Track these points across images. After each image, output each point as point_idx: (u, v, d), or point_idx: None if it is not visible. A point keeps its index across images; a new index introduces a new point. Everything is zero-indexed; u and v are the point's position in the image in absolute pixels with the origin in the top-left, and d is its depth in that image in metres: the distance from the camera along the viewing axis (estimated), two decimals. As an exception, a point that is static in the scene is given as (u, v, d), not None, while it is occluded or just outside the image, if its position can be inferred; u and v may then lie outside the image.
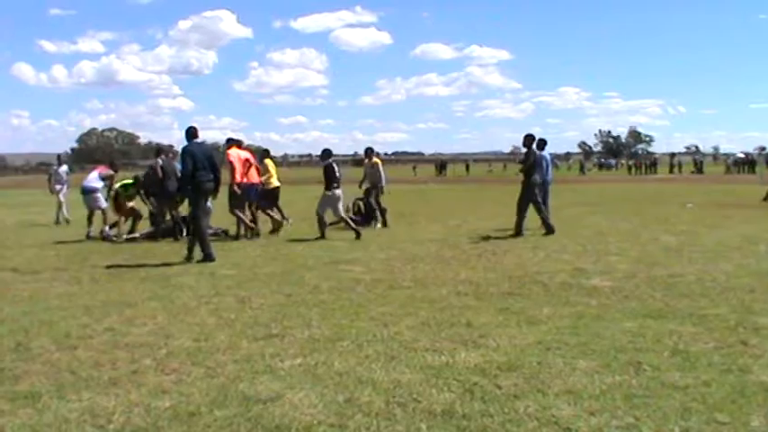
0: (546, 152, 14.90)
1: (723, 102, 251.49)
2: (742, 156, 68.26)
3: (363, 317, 6.61)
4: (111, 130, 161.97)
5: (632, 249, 11.02)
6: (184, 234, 12.86)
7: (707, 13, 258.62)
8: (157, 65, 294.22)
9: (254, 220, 13.81)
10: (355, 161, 79.87)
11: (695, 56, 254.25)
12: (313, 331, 6.09)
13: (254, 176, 13.84)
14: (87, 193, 14.19)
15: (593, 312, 6.64)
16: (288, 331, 6.09)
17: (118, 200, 14.20)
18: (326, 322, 6.41)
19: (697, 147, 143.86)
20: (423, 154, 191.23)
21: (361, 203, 15.87)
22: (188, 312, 6.97)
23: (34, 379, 4.89)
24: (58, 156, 22.82)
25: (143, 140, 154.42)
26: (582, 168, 73.26)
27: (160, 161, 13.94)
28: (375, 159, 15.93)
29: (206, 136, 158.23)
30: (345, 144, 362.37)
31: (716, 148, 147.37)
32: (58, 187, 18.85)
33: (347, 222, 13.59)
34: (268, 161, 14.93)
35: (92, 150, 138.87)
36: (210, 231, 13.38)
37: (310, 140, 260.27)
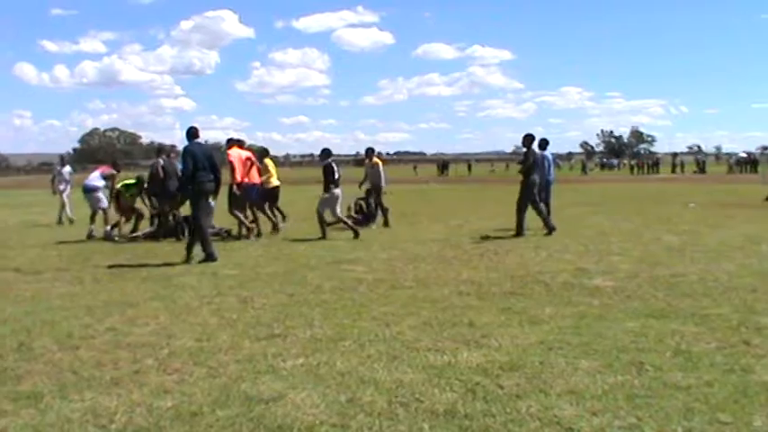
0: (548, 152, 14.90)
1: (725, 101, 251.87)
2: (744, 155, 68.20)
3: (365, 317, 6.61)
4: (113, 130, 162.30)
5: (634, 249, 11.00)
6: (186, 234, 12.86)
7: (709, 13, 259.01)
8: (159, 65, 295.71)
9: (255, 221, 13.82)
10: (357, 161, 79.98)
11: (698, 56, 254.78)
12: (315, 331, 6.09)
13: (255, 176, 13.85)
14: (88, 191, 14.23)
15: (596, 312, 6.63)
16: (290, 331, 6.09)
17: (119, 200, 14.22)
18: (329, 322, 6.41)
19: (699, 146, 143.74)
20: (425, 154, 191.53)
21: (362, 203, 15.88)
22: (190, 312, 6.97)
23: (36, 379, 4.89)
24: (62, 156, 22.89)
25: (145, 140, 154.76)
26: (584, 168, 73.18)
27: (161, 161, 13.94)
28: (375, 159, 15.93)
29: (208, 136, 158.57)
30: (347, 144, 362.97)
31: (718, 148, 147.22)
32: (61, 187, 18.86)
33: (345, 222, 13.59)
34: (268, 161, 14.92)
35: (94, 150, 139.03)
36: (213, 231, 13.41)
37: (312, 140, 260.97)
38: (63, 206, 18.37)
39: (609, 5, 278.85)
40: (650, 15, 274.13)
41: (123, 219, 14.22)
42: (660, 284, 7.97)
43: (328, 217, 13.57)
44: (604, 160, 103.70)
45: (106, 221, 14.15)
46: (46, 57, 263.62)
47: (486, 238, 12.96)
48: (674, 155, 75.72)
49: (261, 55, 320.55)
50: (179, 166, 12.46)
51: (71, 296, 7.93)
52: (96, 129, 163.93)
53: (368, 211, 15.67)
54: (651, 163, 71.07)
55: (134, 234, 14.05)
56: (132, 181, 14.55)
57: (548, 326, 6.13)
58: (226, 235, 13.69)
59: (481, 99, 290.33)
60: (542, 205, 14.09)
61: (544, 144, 14.85)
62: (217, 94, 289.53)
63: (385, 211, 15.53)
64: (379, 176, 15.55)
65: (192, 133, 10.92)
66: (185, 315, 6.85)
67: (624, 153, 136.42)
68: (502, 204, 19.97)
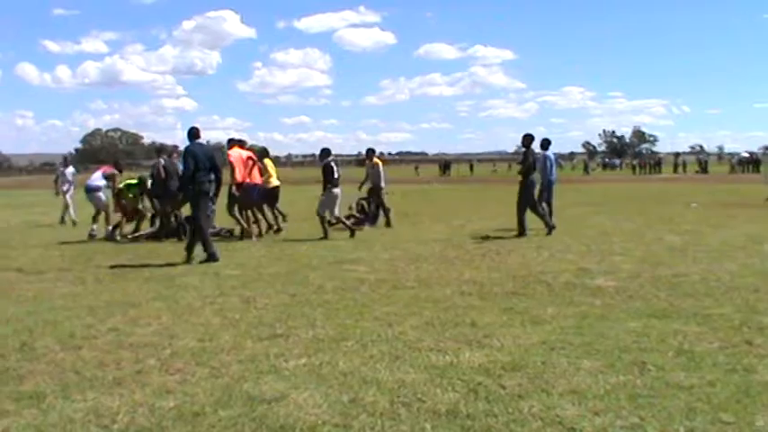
0: (550, 152, 14.90)
1: (727, 101, 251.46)
2: (746, 155, 68.19)
3: (368, 317, 6.61)
4: (115, 130, 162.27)
5: (636, 249, 11.00)
6: (188, 234, 12.86)
7: (711, 12, 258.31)
8: (161, 65, 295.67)
9: (256, 221, 13.82)
10: (359, 161, 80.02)
11: (699, 56, 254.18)
12: (317, 331, 6.09)
13: (256, 176, 13.85)
14: (90, 191, 14.26)
15: (598, 312, 6.63)
16: (292, 331, 6.10)
17: (120, 199, 14.23)
18: (331, 322, 6.41)
19: (701, 146, 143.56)
20: (426, 154, 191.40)
21: (364, 203, 15.89)
22: (192, 312, 6.98)
23: (39, 379, 4.90)
24: (65, 157, 22.88)
25: (147, 141, 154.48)
26: (586, 168, 73.13)
27: (162, 161, 13.95)
28: (376, 160, 15.95)
29: (209, 136, 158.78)
30: (349, 144, 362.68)
31: (720, 148, 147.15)
32: (64, 188, 18.84)
33: (342, 222, 13.59)
34: (267, 161, 14.89)
35: (96, 151, 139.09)
36: (213, 231, 13.41)
37: (314, 140, 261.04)
38: (66, 207, 18.34)
39: (611, 5, 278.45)
40: (652, 15, 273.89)
41: (124, 219, 14.22)
42: (662, 284, 7.96)
43: (329, 216, 13.58)
44: (606, 160, 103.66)
45: (108, 222, 14.15)
46: (48, 57, 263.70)
47: (488, 238, 12.96)
48: (677, 155, 75.68)
49: (262, 55, 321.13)
50: (180, 166, 12.47)
51: (73, 296, 7.94)
52: (98, 129, 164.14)
53: (369, 211, 15.67)
54: (653, 163, 70.99)
55: (136, 234, 14.06)
56: (134, 181, 14.55)
57: (550, 326, 6.13)
58: (228, 235, 13.70)
59: (483, 99, 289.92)
60: (544, 205, 14.13)
61: (546, 144, 14.85)
62: (218, 95, 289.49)
63: (387, 211, 15.54)
64: (378, 177, 15.56)
65: (193, 134, 10.92)
66: (188, 315, 6.85)
67: (626, 153, 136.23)
68: (504, 204, 19.96)
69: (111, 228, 13.96)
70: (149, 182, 14.05)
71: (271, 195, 14.52)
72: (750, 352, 5.23)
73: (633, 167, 71.45)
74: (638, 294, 7.45)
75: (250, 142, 17.69)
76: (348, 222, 13.72)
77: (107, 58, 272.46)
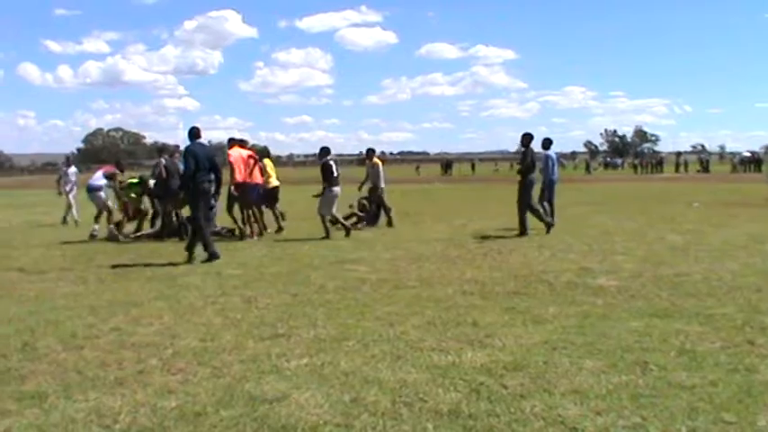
0: (552, 151, 14.89)
1: (729, 101, 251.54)
2: (748, 155, 68.14)
3: (369, 316, 6.61)
4: (116, 130, 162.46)
5: (638, 248, 10.99)
6: (189, 234, 12.87)
7: (713, 12, 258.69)
8: (163, 65, 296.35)
9: (256, 220, 13.81)
10: (360, 161, 79.96)
11: (701, 55, 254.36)
12: (319, 331, 6.09)
13: (257, 176, 13.85)
14: (91, 191, 14.28)
15: (600, 312, 6.63)
16: (294, 331, 6.10)
17: (121, 199, 14.23)
18: (332, 322, 6.41)
19: (703, 146, 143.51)
20: (428, 153, 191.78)
21: (365, 202, 15.89)
22: (194, 312, 6.98)
23: (41, 379, 4.90)
24: (67, 157, 22.82)
25: (149, 140, 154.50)
26: (588, 168, 73.10)
27: (163, 161, 13.95)
28: (376, 160, 15.95)
29: (211, 136, 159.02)
30: (351, 144, 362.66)
31: (722, 147, 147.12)
32: (67, 188, 18.80)
33: (338, 221, 13.57)
34: (267, 161, 14.87)
35: (98, 150, 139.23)
36: (214, 230, 13.43)
37: (316, 140, 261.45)
38: (69, 207, 18.32)
39: (612, 5, 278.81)
40: (653, 15, 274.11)
41: (126, 218, 14.23)
42: (664, 284, 7.96)
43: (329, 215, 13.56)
44: (608, 159, 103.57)
45: (110, 221, 14.16)
46: (49, 57, 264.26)
47: (489, 237, 12.96)
48: (678, 154, 75.51)
49: (264, 55, 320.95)
50: (181, 166, 12.48)
51: (75, 296, 7.94)
52: (100, 129, 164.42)
53: (369, 210, 15.65)
54: (655, 162, 70.89)
55: (138, 234, 14.07)
56: (135, 180, 14.56)
57: (551, 325, 6.13)
58: (230, 235, 13.70)
59: (484, 99, 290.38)
60: (546, 204, 14.13)
61: (548, 144, 14.84)
62: (220, 94, 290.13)
63: (388, 211, 15.53)
64: (378, 177, 15.56)
65: (193, 133, 10.93)
66: (189, 315, 6.85)
67: (628, 152, 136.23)
68: (505, 204, 19.95)
69: (113, 225, 13.95)
70: (152, 182, 14.04)
71: (270, 196, 14.52)
72: (752, 352, 5.22)
73: (635, 167, 71.39)
74: (640, 294, 7.44)
75: (252, 142, 17.62)
76: (346, 222, 13.69)
77: (109, 58, 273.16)
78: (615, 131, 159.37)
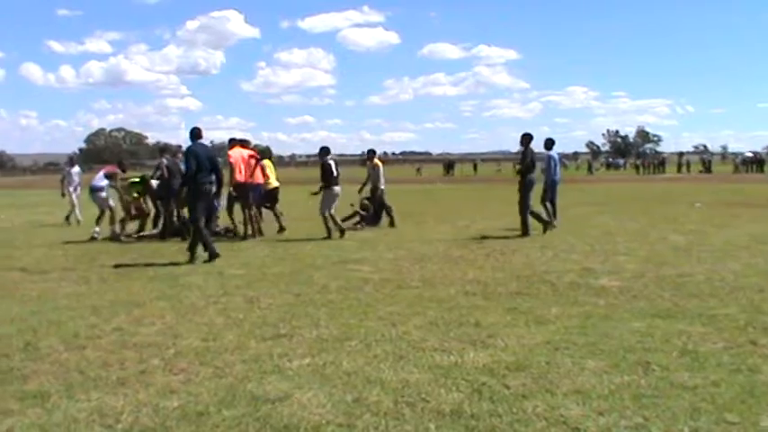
0: (554, 152, 14.88)
1: (731, 101, 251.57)
2: (750, 155, 68.03)
3: (372, 316, 6.61)
4: (119, 130, 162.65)
5: (641, 249, 10.98)
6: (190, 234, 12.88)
7: (715, 12, 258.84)
8: (165, 65, 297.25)
9: (257, 221, 13.81)
10: (362, 161, 79.90)
11: (703, 55, 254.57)
12: (321, 331, 6.09)
13: (259, 176, 13.85)
14: (94, 192, 14.28)
15: (602, 312, 6.62)
16: (296, 331, 6.10)
17: (123, 197, 14.24)
18: (335, 322, 6.41)
19: (705, 146, 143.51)
20: (430, 154, 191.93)
21: (367, 202, 15.88)
22: (196, 312, 6.98)
23: (43, 378, 4.90)
24: (70, 156, 22.85)
25: (151, 140, 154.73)
26: (590, 168, 73.03)
27: (165, 160, 13.96)
28: (376, 161, 15.95)
29: (213, 136, 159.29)
30: (353, 144, 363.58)
31: (724, 148, 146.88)
32: (71, 188, 18.78)
33: (335, 221, 13.55)
34: (267, 162, 14.85)
35: (100, 150, 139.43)
36: (218, 230, 13.45)
37: (318, 140, 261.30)
38: (73, 207, 18.31)
39: (615, 5, 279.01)
40: (656, 15, 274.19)
41: (129, 217, 14.23)
42: (666, 284, 7.95)
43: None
44: (610, 160, 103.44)
45: (113, 221, 14.16)
46: (52, 57, 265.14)
47: (492, 237, 12.94)
48: (680, 154, 75.47)
49: (266, 55, 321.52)
50: (183, 166, 12.49)
51: (77, 296, 7.95)
52: (102, 129, 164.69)
53: (370, 209, 15.64)
54: (657, 163, 70.79)
55: (141, 234, 14.08)
56: (136, 179, 14.58)
57: (554, 326, 6.12)
58: (232, 235, 13.70)
59: (487, 99, 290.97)
60: (548, 204, 14.14)
61: (550, 144, 14.83)
62: (222, 94, 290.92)
63: (389, 211, 15.53)
64: (378, 178, 15.57)
65: (195, 134, 10.95)
66: (191, 315, 6.86)
67: (630, 153, 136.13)
68: (508, 204, 19.94)
69: (116, 226, 13.95)
70: (155, 182, 14.05)
71: (270, 197, 14.52)
72: (755, 352, 5.22)
73: (637, 167, 71.30)
74: (643, 294, 7.44)
75: (254, 142, 17.64)
76: (341, 223, 13.66)
77: (111, 58, 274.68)
78: (617, 132, 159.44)
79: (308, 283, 8.51)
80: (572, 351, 5.31)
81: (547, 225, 13.34)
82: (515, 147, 13.58)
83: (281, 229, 14.23)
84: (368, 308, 7.00)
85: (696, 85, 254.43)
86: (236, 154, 13.59)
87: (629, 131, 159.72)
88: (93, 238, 13.86)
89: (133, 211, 14.34)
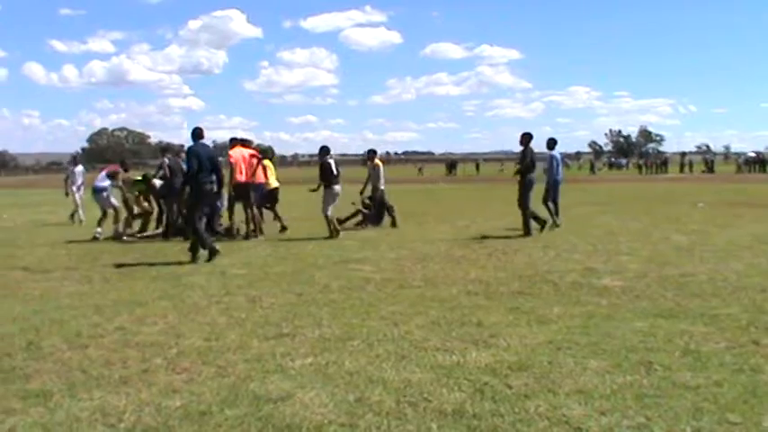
0: (556, 151, 14.87)
1: (734, 101, 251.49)
2: (753, 155, 67.83)
3: (374, 316, 6.61)
4: (121, 129, 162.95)
5: (643, 249, 10.97)
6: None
7: (717, 12, 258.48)
8: (168, 64, 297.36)
9: (257, 221, 13.81)
10: (365, 161, 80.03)
11: (706, 55, 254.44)
12: (323, 330, 6.09)
13: (260, 175, 13.86)
14: (96, 192, 14.28)
15: (604, 312, 6.62)
16: (298, 330, 6.10)
17: (125, 196, 14.26)
18: (337, 321, 6.42)
19: (708, 146, 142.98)
20: (433, 153, 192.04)
21: (369, 201, 15.88)
22: (199, 311, 6.99)
23: (45, 378, 4.91)
24: (74, 156, 22.81)
25: (153, 140, 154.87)
26: (592, 168, 72.90)
27: (167, 160, 13.98)
28: (377, 161, 15.96)
29: (216, 136, 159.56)
30: (355, 143, 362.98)
31: (727, 148, 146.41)
32: (74, 187, 18.78)
33: (331, 222, 13.53)
34: (267, 162, 14.83)
35: (102, 150, 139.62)
36: (220, 229, 13.45)
37: (320, 140, 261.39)
38: (77, 205, 18.32)
39: (617, 5, 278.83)
40: (658, 15, 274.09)
41: (131, 216, 14.24)
42: (669, 284, 7.94)
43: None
44: (613, 160, 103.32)
45: (116, 220, 14.18)
46: (54, 56, 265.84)
47: (494, 237, 12.94)
48: (683, 154, 75.28)
49: (269, 54, 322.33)
50: (184, 166, 12.50)
51: (80, 295, 7.96)
52: (105, 128, 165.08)
53: (377, 211, 15.65)
54: (659, 162, 70.69)
55: (144, 234, 14.10)
56: (138, 177, 14.59)
57: (556, 325, 6.12)
58: (232, 234, 13.70)
59: (489, 98, 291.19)
60: (550, 204, 14.13)
61: (552, 144, 14.80)
62: (225, 94, 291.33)
63: (391, 210, 15.53)
64: (378, 178, 15.57)
65: (197, 134, 10.97)
66: (194, 314, 6.86)
67: (632, 152, 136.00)
68: (510, 204, 19.91)
69: (120, 225, 13.95)
70: (158, 182, 14.05)
71: (271, 197, 14.53)
72: (757, 352, 5.21)
73: (639, 167, 71.28)
74: (645, 294, 7.43)
75: (256, 142, 17.65)
76: (338, 225, 13.64)
77: (113, 58, 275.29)
78: (620, 131, 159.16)
79: (310, 282, 8.52)
80: (574, 351, 5.31)
81: (544, 224, 13.32)
82: (518, 147, 13.53)
83: (283, 228, 14.24)
84: (370, 307, 7.00)
85: (699, 85, 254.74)
86: (237, 153, 13.59)
87: (632, 131, 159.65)
88: (95, 238, 13.87)
89: (136, 210, 14.36)
